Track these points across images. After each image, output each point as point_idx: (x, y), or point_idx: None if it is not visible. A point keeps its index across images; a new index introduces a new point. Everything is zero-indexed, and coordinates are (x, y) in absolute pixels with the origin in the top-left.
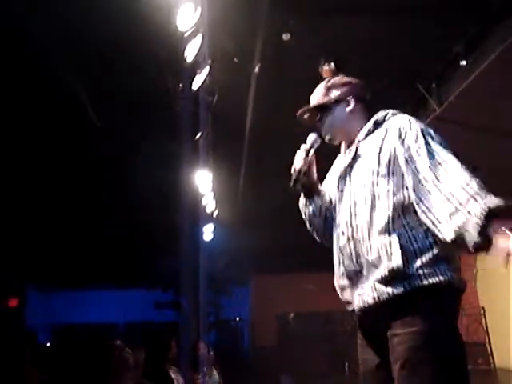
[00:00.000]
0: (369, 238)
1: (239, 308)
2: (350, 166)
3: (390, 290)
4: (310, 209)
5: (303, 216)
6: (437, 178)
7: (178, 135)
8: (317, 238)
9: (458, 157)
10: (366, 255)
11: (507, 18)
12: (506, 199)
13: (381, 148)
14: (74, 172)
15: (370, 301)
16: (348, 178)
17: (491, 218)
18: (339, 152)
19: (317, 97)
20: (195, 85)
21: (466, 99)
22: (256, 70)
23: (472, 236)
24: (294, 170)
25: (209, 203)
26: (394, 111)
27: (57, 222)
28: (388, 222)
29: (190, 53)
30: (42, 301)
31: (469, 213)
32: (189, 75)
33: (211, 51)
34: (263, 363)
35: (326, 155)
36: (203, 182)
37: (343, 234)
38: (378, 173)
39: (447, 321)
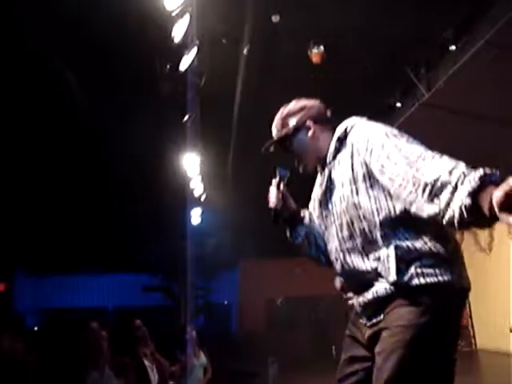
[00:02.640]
0: (363, 258)
1: (227, 292)
2: (329, 190)
3: (387, 286)
4: (297, 242)
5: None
6: (421, 174)
7: (166, 118)
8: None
9: (430, 149)
10: (363, 274)
11: (497, 3)
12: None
13: (352, 167)
14: (62, 158)
15: (370, 296)
16: (329, 203)
17: (485, 185)
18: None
19: (276, 130)
20: (183, 66)
21: (455, 85)
22: (245, 51)
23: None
24: (271, 208)
25: (197, 187)
26: (352, 121)
27: (45, 208)
28: (381, 239)
29: (178, 33)
30: (30, 286)
31: (460, 188)
32: (176, 56)
33: (199, 32)
34: (251, 346)
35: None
36: (191, 165)
37: (336, 260)
38: (357, 193)
39: (442, 320)
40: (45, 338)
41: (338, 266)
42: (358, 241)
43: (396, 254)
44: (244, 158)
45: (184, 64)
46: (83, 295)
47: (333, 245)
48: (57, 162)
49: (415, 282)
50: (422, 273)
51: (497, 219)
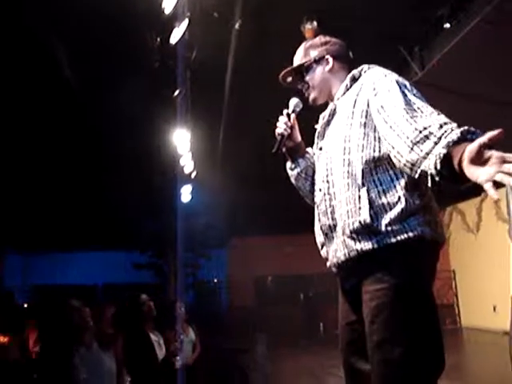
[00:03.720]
0: (341, 193)
1: (217, 269)
2: (328, 122)
3: (358, 246)
4: (296, 171)
5: (291, 179)
6: (414, 120)
7: (156, 93)
8: (306, 200)
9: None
10: (338, 210)
11: None
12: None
13: (355, 102)
14: (50, 135)
15: (342, 257)
16: (325, 135)
17: (465, 140)
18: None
19: (297, 58)
20: (173, 39)
21: (448, 63)
22: (237, 25)
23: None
24: (277, 134)
25: (187, 163)
26: (371, 65)
27: (36, 185)
28: (359, 177)
29: (168, 4)
30: (20, 262)
31: (443, 140)
32: (167, 29)
33: (190, 4)
34: (240, 323)
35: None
36: (181, 141)
37: (320, 190)
38: (350, 127)
39: (418, 277)
40: (33, 315)
41: (319, 197)
42: (342, 173)
43: (368, 195)
44: (235, 135)
45: (175, 37)
46: (73, 272)
47: (320, 175)
48: (45, 140)
49: (386, 241)
50: (392, 230)
51: (466, 177)
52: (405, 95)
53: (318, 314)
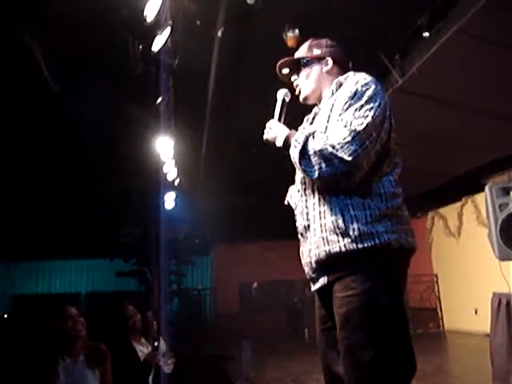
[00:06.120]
0: (314, 195)
1: (202, 277)
2: (310, 125)
3: (327, 248)
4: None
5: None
6: (326, 135)
7: (139, 100)
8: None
9: (373, 124)
10: (312, 211)
11: None
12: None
13: (332, 107)
14: (32, 139)
15: (314, 257)
16: None
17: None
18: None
19: (300, 52)
20: (155, 46)
21: (428, 71)
22: (219, 34)
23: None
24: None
25: (170, 171)
26: (356, 73)
27: (16, 192)
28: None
29: (150, 12)
30: (0, 272)
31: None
32: (149, 36)
33: (173, 12)
34: (225, 330)
35: None
36: (164, 148)
37: (298, 191)
38: (325, 130)
39: (385, 283)
40: (15, 325)
41: (297, 198)
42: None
43: (336, 198)
44: (218, 142)
45: (157, 44)
46: (55, 281)
47: (299, 176)
48: (24, 148)
49: (353, 246)
50: (360, 235)
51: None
52: (348, 107)
53: (302, 319)
